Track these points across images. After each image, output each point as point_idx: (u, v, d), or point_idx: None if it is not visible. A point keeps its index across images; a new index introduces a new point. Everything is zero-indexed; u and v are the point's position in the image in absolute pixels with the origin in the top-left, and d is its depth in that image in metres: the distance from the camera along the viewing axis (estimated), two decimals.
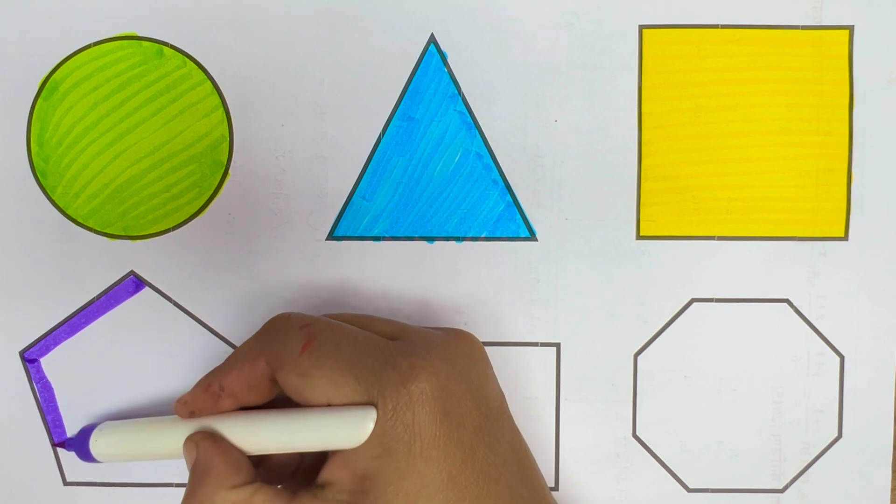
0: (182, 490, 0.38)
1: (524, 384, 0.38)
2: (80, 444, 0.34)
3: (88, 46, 0.37)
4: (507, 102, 0.37)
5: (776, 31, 0.37)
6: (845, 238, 0.37)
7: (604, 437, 0.38)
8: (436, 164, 0.37)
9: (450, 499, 0.27)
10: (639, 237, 0.37)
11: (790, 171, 0.37)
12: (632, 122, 0.37)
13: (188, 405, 0.31)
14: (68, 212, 0.37)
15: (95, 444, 0.34)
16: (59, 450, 0.38)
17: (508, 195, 0.37)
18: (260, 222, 0.37)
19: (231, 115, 0.37)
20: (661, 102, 0.37)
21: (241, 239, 0.37)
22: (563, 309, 0.37)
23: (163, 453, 0.32)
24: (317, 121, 0.37)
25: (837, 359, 0.38)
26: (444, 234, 0.37)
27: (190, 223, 0.37)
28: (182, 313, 0.37)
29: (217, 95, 0.37)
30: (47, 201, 0.37)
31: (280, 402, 0.31)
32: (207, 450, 0.29)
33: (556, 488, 0.38)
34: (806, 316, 0.37)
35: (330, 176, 0.37)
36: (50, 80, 0.37)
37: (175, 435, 0.31)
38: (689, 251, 0.37)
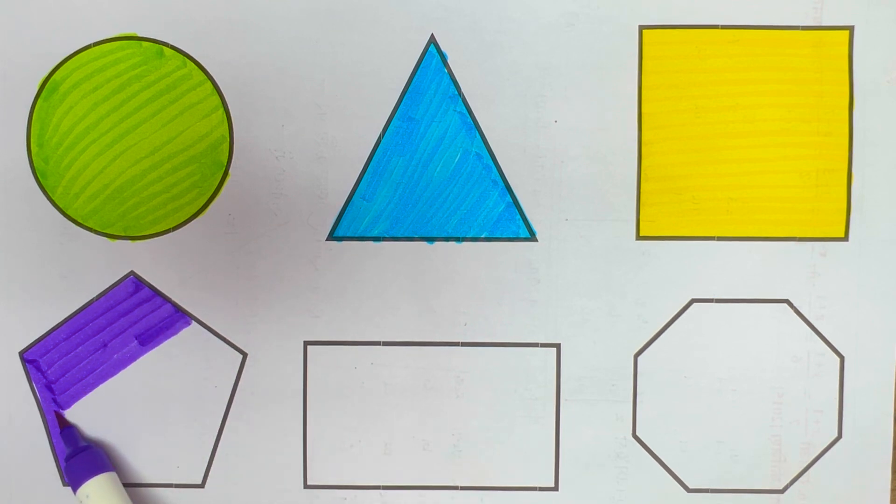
0: (182, 490, 0.38)
1: (524, 384, 0.38)
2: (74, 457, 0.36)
3: (88, 46, 0.37)
4: (507, 103, 0.37)
5: (776, 31, 0.37)
6: (845, 238, 0.37)
7: (604, 437, 0.38)
8: (436, 165, 0.37)
9: None
10: (639, 237, 0.37)
11: (790, 171, 0.37)
12: (632, 122, 0.37)
13: None
14: (68, 212, 0.37)
15: (87, 487, 0.35)
16: (61, 447, 0.37)
17: (508, 195, 0.37)
18: (260, 222, 0.37)
19: (231, 115, 0.37)
20: (661, 102, 0.37)
21: (241, 239, 0.37)
22: (563, 309, 0.37)
23: None
24: (317, 121, 0.37)
25: (837, 359, 0.38)
26: (444, 235, 0.37)
27: (190, 223, 0.37)
28: (182, 313, 0.37)
29: (217, 96, 0.37)
30: (47, 201, 0.37)
31: None
32: None
33: (556, 488, 0.38)
34: (806, 316, 0.37)
35: (330, 176, 0.37)
36: (50, 81, 0.37)
37: None
38: (689, 251, 0.37)
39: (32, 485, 0.38)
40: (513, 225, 0.37)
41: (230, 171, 0.37)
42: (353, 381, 0.38)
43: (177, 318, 0.37)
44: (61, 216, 0.37)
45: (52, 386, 0.37)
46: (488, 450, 0.38)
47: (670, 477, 0.38)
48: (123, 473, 0.38)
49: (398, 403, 0.38)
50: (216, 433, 0.38)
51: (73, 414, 0.37)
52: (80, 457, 0.36)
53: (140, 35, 0.37)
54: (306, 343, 0.37)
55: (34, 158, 0.37)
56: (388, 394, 0.38)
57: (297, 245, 0.37)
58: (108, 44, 0.37)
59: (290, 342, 0.37)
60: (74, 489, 0.35)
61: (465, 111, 0.37)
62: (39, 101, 0.37)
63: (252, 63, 0.37)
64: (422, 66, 0.37)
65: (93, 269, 0.37)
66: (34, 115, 0.37)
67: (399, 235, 0.37)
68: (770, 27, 0.37)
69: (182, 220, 0.37)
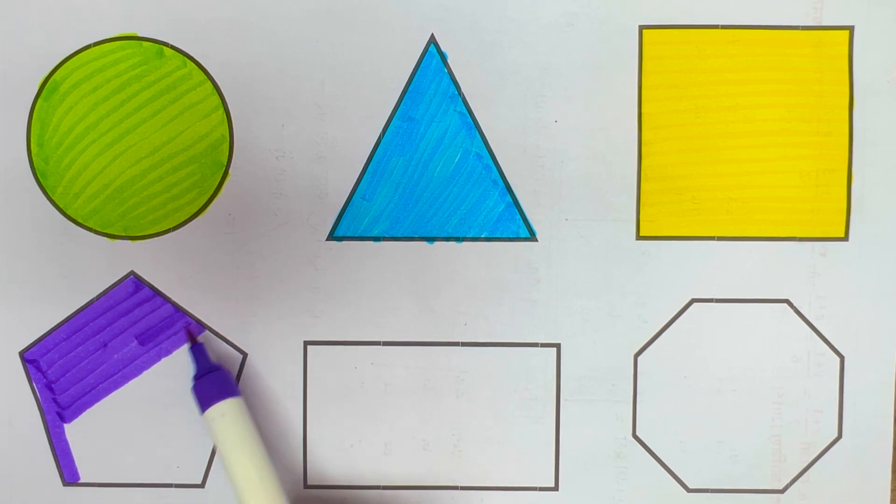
0: (182, 490, 0.38)
1: (524, 384, 0.38)
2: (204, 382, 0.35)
3: (88, 46, 0.37)
4: (507, 103, 0.37)
5: (776, 31, 0.37)
6: (845, 238, 0.37)
7: (604, 437, 0.38)
8: (436, 165, 0.37)
9: None
10: (639, 237, 0.37)
11: (790, 171, 0.37)
12: (632, 122, 0.37)
13: None
14: (68, 212, 0.37)
15: (218, 407, 0.34)
16: (61, 447, 0.38)
17: (508, 195, 0.37)
18: (260, 222, 0.37)
19: (231, 115, 0.37)
20: (661, 102, 0.37)
21: (241, 239, 0.37)
22: (563, 309, 0.37)
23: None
24: (317, 121, 0.37)
25: (837, 359, 0.38)
26: (444, 235, 0.37)
27: (190, 223, 0.37)
28: (182, 313, 0.37)
29: (217, 96, 0.37)
30: (47, 201, 0.37)
31: None
32: None
33: (556, 488, 0.38)
34: (806, 316, 0.37)
35: (330, 176, 0.37)
36: (50, 81, 0.37)
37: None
38: (689, 251, 0.37)
39: (32, 485, 0.38)
40: (513, 225, 0.37)
41: (230, 171, 0.37)
42: (353, 381, 0.38)
43: (177, 318, 0.37)
44: (61, 216, 0.37)
45: (52, 386, 0.37)
46: (488, 450, 0.38)
47: (670, 477, 0.38)
48: (123, 473, 0.38)
49: (398, 403, 0.38)
50: None
51: (73, 413, 0.37)
52: (212, 376, 0.35)
53: (140, 35, 0.37)
54: (306, 343, 0.37)
55: (34, 158, 0.37)
56: (388, 394, 0.38)
57: (297, 245, 0.37)
58: (108, 44, 0.37)
59: (290, 342, 0.37)
60: (203, 408, 0.35)
61: (465, 111, 0.37)
62: (39, 101, 0.37)
63: (252, 63, 0.37)
64: (422, 66, 0.37)
65: (93, 269, 0.37)
66: (34, 115, 0.37)
67: (399, 235, 0.37)
68: (770, 27, 0.37)
69: (182, 220, 0.37)
